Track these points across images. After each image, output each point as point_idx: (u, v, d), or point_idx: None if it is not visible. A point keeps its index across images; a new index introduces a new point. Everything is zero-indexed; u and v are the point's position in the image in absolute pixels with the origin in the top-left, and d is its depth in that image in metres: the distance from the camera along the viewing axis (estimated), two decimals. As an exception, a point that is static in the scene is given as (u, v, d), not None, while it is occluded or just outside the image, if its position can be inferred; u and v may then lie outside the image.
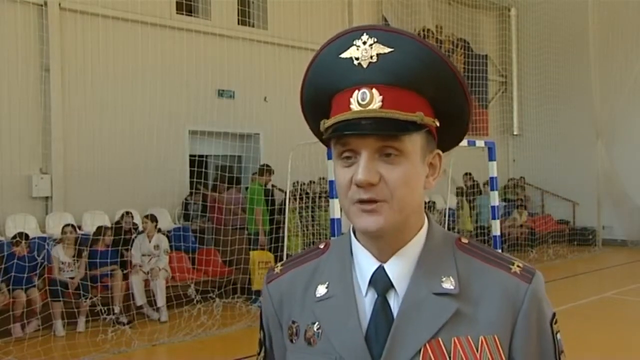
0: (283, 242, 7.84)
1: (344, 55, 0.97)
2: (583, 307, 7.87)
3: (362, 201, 0.96)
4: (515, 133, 15.87)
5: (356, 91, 0.96)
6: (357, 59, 0.96)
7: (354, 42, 0.96)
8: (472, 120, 1.07)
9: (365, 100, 0.95)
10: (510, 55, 15.77)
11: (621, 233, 13.97)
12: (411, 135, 0.96)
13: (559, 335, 1.05)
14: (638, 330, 6.92)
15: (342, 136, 0.97)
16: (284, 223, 8.04)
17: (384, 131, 0.94)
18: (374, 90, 0.95)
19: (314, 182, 10.34)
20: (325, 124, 1.00)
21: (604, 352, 5.93)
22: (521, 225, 13.19)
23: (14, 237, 7.00)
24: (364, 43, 0.96)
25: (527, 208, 14.19)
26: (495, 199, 7.20)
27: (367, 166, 0.95)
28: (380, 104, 0.94)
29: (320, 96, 1.03)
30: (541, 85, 14.84)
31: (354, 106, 0.95)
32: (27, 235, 7.06)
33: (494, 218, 7.32)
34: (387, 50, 0.95)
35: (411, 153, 0.97)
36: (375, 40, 0.95)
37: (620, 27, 13.30)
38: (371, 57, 0.95)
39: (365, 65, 0.95)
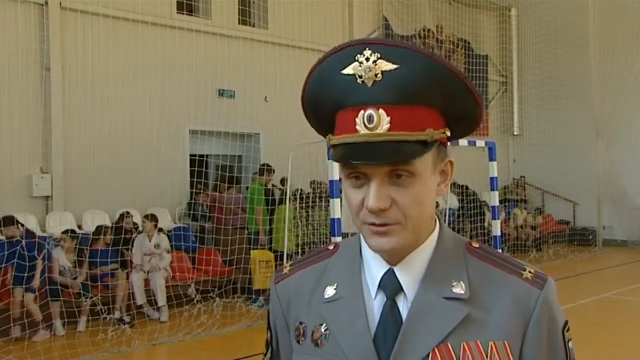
0: (283, 242, 7.84)
1: (347, 71, 0.92)
2: (583, 308, 7.86)
3: (374, 224, 0.95)
4: (515, 133, 15.87)
5: (362, 111, 0.92)
6: (360, 77, 0.91)
7: (357, 58, 0.91)
8: (483, 121, 1.05)
9: (373, 123, 0.91)
10: (510, 56, 15.77)
11: (621, 233, 13.97)
12: (422, 156, 0.93)
13: (571, 344, 1.03)
14: (638, 331, 6.92)
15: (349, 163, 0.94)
16: (284, 222, 8.04)
17: (394, 159, 0.91)
18: (381, 111, 0.91)
19: (314, 182, 10.32)
20: (332, 141, 0.97)
21: (604, 353, 5.92)
22: (523, 226, 13.17)
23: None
24: (367, 60, 0.91)
25: (527, 208, 14.19)
26: (495, 199, 7.20)
27: (379, 192, 0.93)
28: (388, 126, 0.91)
29: (323, 110, 0.99)
30: (541, 85, 14.84)
31: (361, 128, 0.92)
32: (14, 220, 6.83)
33: (494, 218, 7.32)
34: (392, 67, 0.90)
35: (422, 172, 0.94)
36: (379, 56, 0.90)
37: (621, 27, 13.30)
38: (376, 75, 0.90)
39: (370, 84, 0.91)
